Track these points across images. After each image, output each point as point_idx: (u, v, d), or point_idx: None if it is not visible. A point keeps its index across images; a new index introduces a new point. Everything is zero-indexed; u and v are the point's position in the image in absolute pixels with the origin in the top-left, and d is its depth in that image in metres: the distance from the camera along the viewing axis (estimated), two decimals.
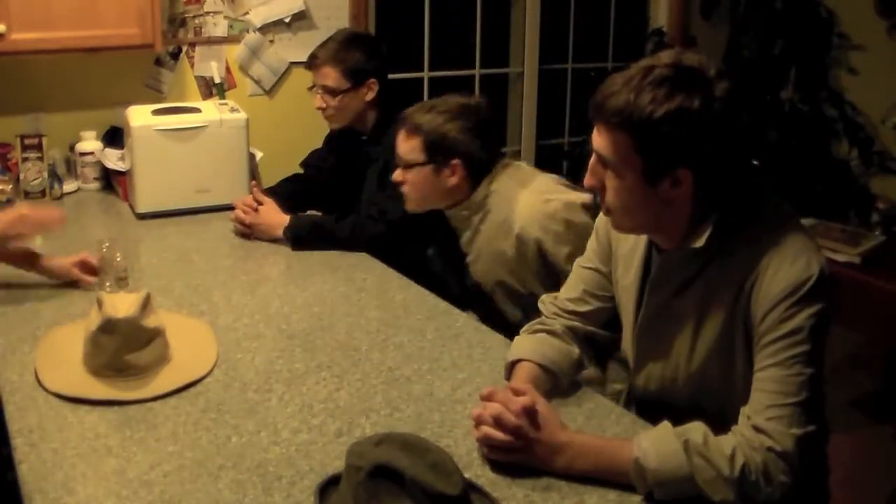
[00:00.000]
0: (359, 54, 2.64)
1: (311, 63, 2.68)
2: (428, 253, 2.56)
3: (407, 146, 2.21)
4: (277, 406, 1.62)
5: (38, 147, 2.81)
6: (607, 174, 1.45)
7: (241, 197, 2.63)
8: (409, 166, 2.21)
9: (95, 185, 3.03)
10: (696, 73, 1.37)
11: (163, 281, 2.23)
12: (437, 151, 2.17)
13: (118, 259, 2.11)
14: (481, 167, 2.20)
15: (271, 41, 3.39)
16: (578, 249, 1.85)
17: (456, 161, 2.17)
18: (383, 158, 2.59)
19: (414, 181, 2.22)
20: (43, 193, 2.81)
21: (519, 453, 1.41)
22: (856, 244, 3.38)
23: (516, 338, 1.76)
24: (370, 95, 2.65)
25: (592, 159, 1.47)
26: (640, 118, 1.35)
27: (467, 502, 1.23)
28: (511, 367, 1.69)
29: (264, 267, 2.42)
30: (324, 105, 2.67)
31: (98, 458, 1.44)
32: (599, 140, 1.43)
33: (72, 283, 2.15)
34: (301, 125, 3.25)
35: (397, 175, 2.25)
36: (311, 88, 2.74)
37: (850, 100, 4.26)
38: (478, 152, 2.18)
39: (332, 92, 2.63)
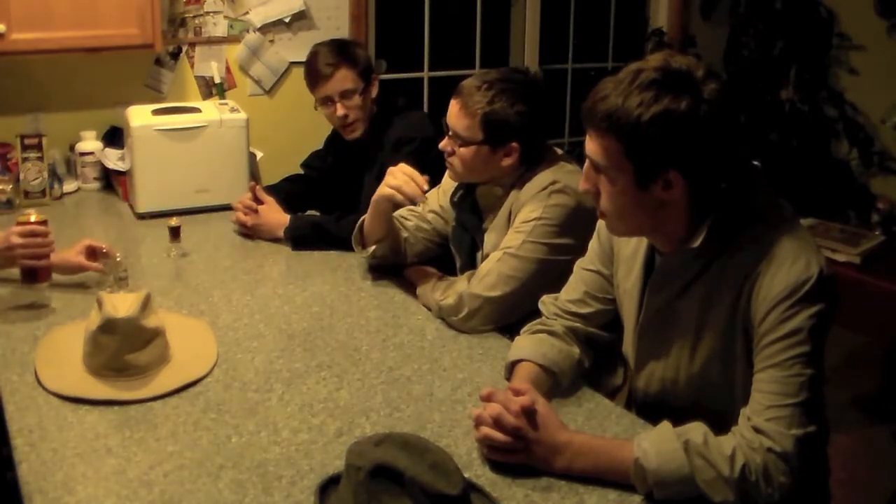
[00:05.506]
0: (362, 52, 2.66)
1: (321, 75, 2.58)
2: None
3: (462, 123, 2.06)
4: (277, 406, 1.62)
5: (38, 147, 2.81)
6: (601, 179, 1.45)
7: (240, 199, 2.61)
8: (465, 143, 2.07)
9: (95, 185, 3.03)
10: (684, 75, 1.37)
11: (163, 281, 2.23)
12: (496, 133, 2.04)
13: (118, 259, 2.11)
14: (534, 151, 2.10)
15: (271, 41, 3.39)
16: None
17: (514, 144, 2.06)
18: (381, 158, 2.58)
19: (465, 157, 2.08)
20: (43, 193, 2.81)
21: (519, 454, 1.41)
22: (856, 244, 3.38)
23: (516, 338, 1.76)
24: (374, 92, 2.66)
25: (586, 165, 1.48)
26: (627, 122, 1.36)
27: (467, 502, 1.23)
28: (511, 367, 1.69)
29: (264, 267, 2.42)
30: (345, 112, 2.59)
31: (98, 458, 1.44)
32: (591, 145, 1.43)
33: (76, 283, 2.15)
34: (301, 125, 3.25)
35: (445, 144, 2.11)
36: (318, 107, 2.65)
37: (850, 100, 4.26)
38: (535, 137, 2.09)
39: (352, 94, 2.58)
